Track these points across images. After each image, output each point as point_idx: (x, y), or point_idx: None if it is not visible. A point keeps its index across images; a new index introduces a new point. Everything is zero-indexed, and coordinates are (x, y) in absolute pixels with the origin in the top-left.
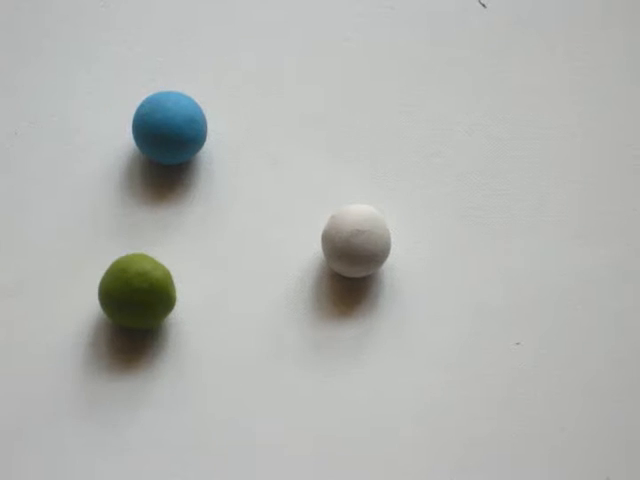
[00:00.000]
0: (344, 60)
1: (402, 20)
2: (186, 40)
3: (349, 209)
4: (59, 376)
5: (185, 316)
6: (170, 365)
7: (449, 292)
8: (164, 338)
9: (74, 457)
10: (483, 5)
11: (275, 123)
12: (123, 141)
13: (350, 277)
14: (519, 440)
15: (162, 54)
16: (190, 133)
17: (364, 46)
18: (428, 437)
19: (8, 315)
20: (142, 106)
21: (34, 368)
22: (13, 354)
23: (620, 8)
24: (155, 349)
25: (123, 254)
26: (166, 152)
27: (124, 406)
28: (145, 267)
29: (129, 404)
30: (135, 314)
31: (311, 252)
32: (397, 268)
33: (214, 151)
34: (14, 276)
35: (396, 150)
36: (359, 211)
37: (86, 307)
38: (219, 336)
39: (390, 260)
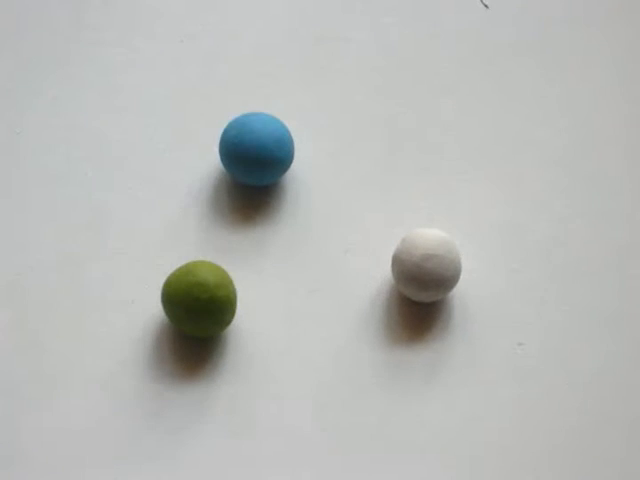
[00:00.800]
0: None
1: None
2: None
3: (420, 232)
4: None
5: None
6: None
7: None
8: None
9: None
10: (486, 6)
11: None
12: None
13: (419, 301)
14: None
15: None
16: (279, 155)
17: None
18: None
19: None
20: (230, 128)
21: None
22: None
23: (623, 8)
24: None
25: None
26: (255, 174)
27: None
28: (207, 278)
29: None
30: (192, 322)
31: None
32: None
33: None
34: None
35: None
36: (431, 235)
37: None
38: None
39: (459, 285)
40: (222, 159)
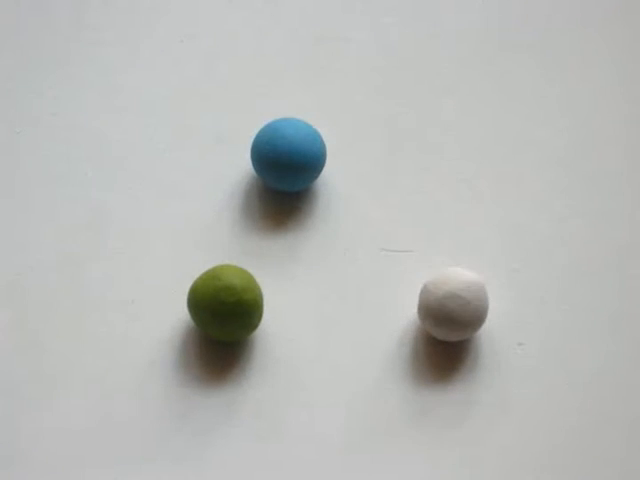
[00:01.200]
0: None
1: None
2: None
3: (448, 272)
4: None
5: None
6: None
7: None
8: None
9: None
10: None
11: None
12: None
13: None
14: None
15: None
16: (311, 160)
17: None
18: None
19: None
20: (262, 133)
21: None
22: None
23: (622, 9)
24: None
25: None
26: (287, 179)
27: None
28: (234, 281)
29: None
30: (219, 325)
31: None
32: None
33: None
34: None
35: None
36: (458, 275)
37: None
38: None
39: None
40: (254, 164)
